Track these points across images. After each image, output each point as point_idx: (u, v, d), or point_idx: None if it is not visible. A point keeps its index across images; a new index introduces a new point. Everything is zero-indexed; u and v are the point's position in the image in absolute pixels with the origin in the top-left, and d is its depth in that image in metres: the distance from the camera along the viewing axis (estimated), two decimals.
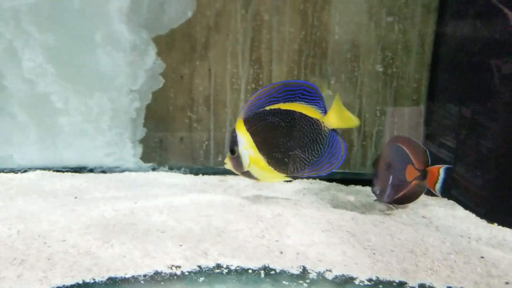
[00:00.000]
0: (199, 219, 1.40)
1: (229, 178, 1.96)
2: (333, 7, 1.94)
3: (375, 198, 1.63)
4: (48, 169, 1.94)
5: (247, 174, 1.41)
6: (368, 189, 1.89)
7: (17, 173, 1.89)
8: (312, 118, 1.36)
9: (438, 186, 1.56)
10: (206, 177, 2.00)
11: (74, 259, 1.17)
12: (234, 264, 1.21)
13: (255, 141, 1.35)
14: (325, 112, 1.36)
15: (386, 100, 2.00)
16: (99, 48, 1.89)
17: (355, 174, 2.04)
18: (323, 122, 1.36)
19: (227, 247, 1.27)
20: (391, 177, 1.51)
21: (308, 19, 1.96)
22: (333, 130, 1.37)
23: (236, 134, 1.34)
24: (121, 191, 1.73)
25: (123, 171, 2.00)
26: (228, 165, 1.42)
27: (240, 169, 1.39)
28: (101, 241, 1.26)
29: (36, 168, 1.93)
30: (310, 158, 1.38)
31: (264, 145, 1.37)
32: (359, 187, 1.93)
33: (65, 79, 1.92)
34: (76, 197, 1.61)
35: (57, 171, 1.95)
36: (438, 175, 1.55)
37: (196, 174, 2.03)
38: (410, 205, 1.69)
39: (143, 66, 1.94)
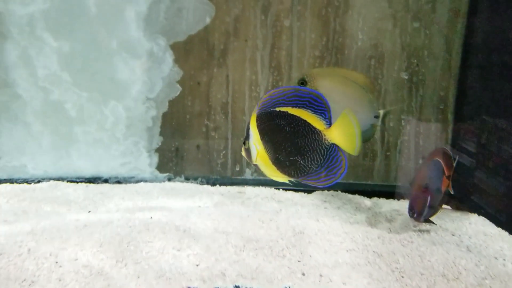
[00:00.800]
0: (217, 236, 1.34)
1: (247, 189, 1.89)
2: (356, 12, 1.87)
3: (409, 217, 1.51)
4: (62, 179, 1.90)
5: (257, 167, 1.45)
6: (392, 202, 1.82)
7: (30, 183, 1.85)
8: (314, 128, 1.35)
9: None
10: (223, 188, 1.94)
11: (86, 280, 1.12)
12: (254, 286, 1.14)
13: (262, 139, 1.38)
14: (330, 124, 1.33)
15: (412, 108, 1.91)
16: (115, 55, 1.85)
17: (379, 186, 1.96)
18: (324, 134, 1.34)
19: (246, 267, 1.21)
20: (429, 198, 1.42)
21: (330, 24, 1.88)
22: (334, 144, 1.33)
23: (249, 128, 1.38)
24: (136, 203, 1.68)
25: (138, 181, 1.95)
26: (243, 153, 1.45)
27: (249, 160, 1.43)
28: (114, 260, 1.20)
29: (49, 178, 1.89)
30: (309, 166, 1.38)
31: (269, 144, 1.40)
32: (383, 200, 1.84)
33: (80, 87, 1.88)
34: (89, 211, 1.56)
35: (71, 181, 1.90)
36: None
37: (213, 184, 1.97)
38: (438, 221, 1.60)
39: (160, 73, 1.89)
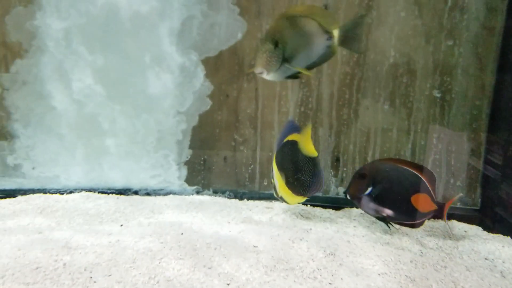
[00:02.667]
0: (247, 255, 1.34)
1: (275, 205, 1.89)
2: (388, 29, 1.85)
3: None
4: (93, 190, 1.94)
5: (282, 199, 1.64)
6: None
7: (62, 193, 1.88)
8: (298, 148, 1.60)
9: None
10: (251, 202, 1.94)
11: None
12: None
13: (279, 171, 1.60)
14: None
15: (444, 127, 1.88)
16: (148, 69, 1.87)
17: None
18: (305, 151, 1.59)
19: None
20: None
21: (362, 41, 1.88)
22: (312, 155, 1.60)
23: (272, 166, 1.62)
24: (165, 217, 1.69)
25: (167, 193, 1.96)
26: (274, 191, 1.66)
27: (276, 194, 1.63)
28: (147, 277, 1.21)
29: (81, 189, 1.92)
30: (307, 179, 1.58)
31: (282, 173, 1.60)
32: None
33: (113, 100, 1.91)
34: (122, 225, 1.58)
35: (102, 192, 1.93)
36: None
37: (241, 198, 1.97)
38: (470, 243, 1.57)
39: (191, 87, 1.91)
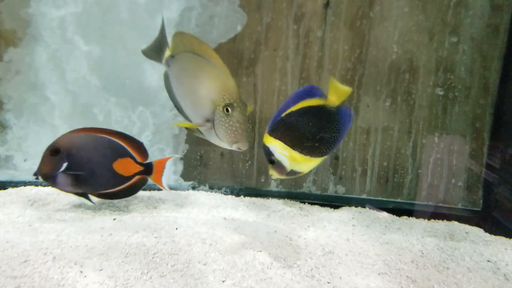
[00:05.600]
0: (244, 252, 1.30)
1: (271, 202, 1.85)
2: (391, 25, 1.82)
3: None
4: None
5: (292, 173, 1.51)
6: (424, 222, 1.75)
7: None
8: (318, 106, 1.50)
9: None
10: (247, 199, 1.90)
11: None
12: None
13: (285, 143, 1.48)
14: (325, 97, 1.49)
15: (446, 126, 1.85)
16: (144, 61, 1.82)
17: (409, 204, 1.90)
18: (328, 105, 1.50)
19: (274, 285, 1.17)
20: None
21: (364, 36, 1.84)
22: (338, 106, 1.49)
23: (268, 146, 1.47)
24: (161, 212, 1.65)
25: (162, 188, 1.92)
26: (274, 175, 1.49)
27: (284, 172, 1.47)
28: (139, 272, 1.17)
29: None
30: (333, 135, 1.51)
31: (294, 142, 1.49)
32: (413, 219, 1.78)
33: (108, 92, 1.86)
34: (114, 219, 1.53)
35: None
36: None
37: (238, 195, 1.93)
38: (472, 245, 1.54)
39: None
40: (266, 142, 1.50)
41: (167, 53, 1.47)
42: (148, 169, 1.63)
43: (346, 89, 1.47)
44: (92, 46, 1.83)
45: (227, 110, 1.35)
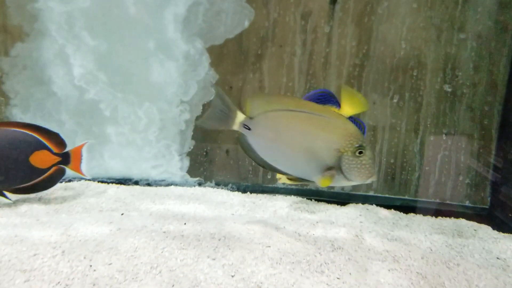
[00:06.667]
0: (253, 247, 1.30)
1: (278, 198, 1.85)
2: (400, 21, 1.81)
3: None
4: (93, 179, 1.88)
5: (300, 179, 1.44)
6: (431, 219, 1.75)
7: (61, 182, 1.83)
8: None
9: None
10: (254, 195, 1.89)
11: (120, 286, 1.09)
12: None
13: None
14: (339, 105, 1.38)
15: (454, 123, 1.84)
16: (151, 56, 1.82)
17: (416, 201, 1.89)
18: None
19: (283, 281, 1.16)
20: None
21: (372, 33, 1.83)
22: (351, 117, 1.38)
23: None
24: (167, 208, 1.65)
25: (168, 184, 1.92)
26: (282, 179, 1.48)
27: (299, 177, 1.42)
28: (149, 266, 1.17)
29: (80, 178, 1.87)
30: None
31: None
32: (420, 216, 1.77)
33: (115, 87, 1.86)
34: (122, 214, 1.53)
35: (102, 181, 1.88)
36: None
37: (244, 191, 1.93)
38: (481, 242, 1.53)
39: (195, 76, 1.86)
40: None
41: (240, 116, 1.36)
42: (65, 159, 1.61)
43: (363, 103, 1.35)
44: (99, 41, 1.82)
45: (360, 153, 1.30)
